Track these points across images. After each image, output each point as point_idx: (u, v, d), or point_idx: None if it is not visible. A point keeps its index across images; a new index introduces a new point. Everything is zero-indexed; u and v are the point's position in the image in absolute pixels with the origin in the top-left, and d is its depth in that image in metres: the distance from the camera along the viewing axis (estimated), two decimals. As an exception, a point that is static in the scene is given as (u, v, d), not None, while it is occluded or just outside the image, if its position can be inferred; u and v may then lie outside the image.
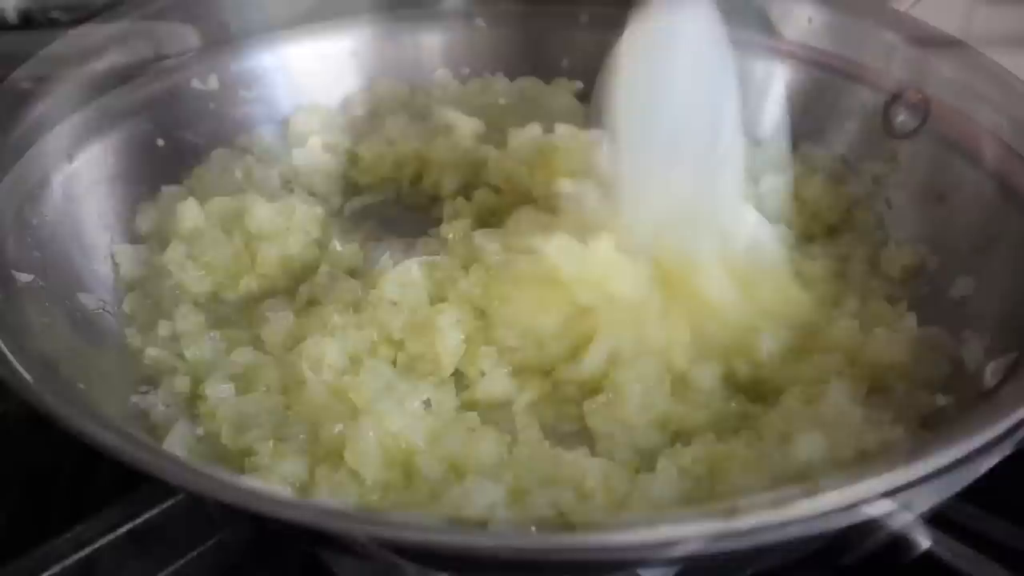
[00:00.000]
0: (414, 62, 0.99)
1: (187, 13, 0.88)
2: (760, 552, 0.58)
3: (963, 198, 0.78)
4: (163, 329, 0.73)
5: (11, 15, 0.94)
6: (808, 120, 0.90)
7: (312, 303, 0.77)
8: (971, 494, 0.69)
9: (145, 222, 0.81)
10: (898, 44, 0.85)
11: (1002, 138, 0.76)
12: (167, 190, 0.83)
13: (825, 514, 0.50)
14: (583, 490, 0.61)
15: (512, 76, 0.98)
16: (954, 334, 0.71)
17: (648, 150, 0.72)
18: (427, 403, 0.68)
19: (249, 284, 0.79)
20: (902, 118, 0.85)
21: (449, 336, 0.71)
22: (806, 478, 0.60)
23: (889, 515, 0.51)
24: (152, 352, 0.72)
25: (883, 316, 0.74)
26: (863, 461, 0.61)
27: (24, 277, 0.67)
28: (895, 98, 0.85)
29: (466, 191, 0.88)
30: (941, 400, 0.67)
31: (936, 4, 0.92)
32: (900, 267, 0.79)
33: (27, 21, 0.94)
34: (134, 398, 0.69)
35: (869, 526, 0.51)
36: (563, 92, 0.97)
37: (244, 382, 0.69)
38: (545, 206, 0.81)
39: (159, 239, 0.80)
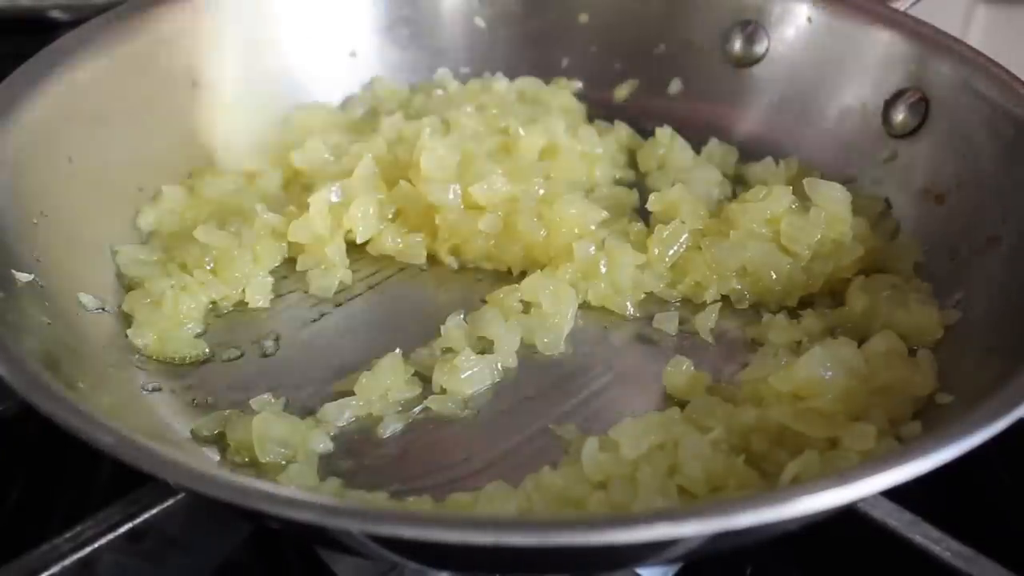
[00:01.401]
0: (414, 62, 0.99)
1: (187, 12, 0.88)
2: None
3: (963, 198, 0.79)
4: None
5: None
6: (808, 120, 0.91)
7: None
8: (970, 493, 0.69)
9: (145, 222, 0.81)
10: (898, 44, 0.86)
11: (1002, 138, 0.76)
12: (167, 190, 0.83)
13: (823, 511, 0.50)
14: None
15: (512, 76, 0.98)
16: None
17: None
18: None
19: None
20: (902, 118, 0.85)
21: None
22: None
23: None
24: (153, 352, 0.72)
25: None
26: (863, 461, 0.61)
27: (24, 277, 0.67)
28: (895, 98, 0.85)
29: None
30: (942, 399, 0.67)
31: (936, 4, 0.92)
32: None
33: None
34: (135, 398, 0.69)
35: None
36: (563, 92, 0.97)
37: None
38: None
39: (159, 239, 0.80)
